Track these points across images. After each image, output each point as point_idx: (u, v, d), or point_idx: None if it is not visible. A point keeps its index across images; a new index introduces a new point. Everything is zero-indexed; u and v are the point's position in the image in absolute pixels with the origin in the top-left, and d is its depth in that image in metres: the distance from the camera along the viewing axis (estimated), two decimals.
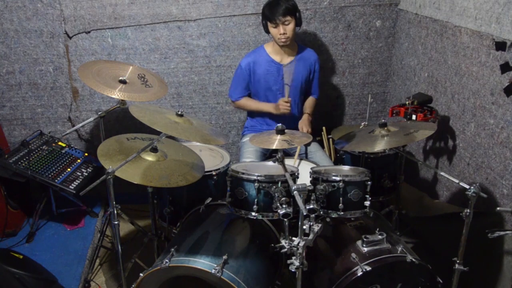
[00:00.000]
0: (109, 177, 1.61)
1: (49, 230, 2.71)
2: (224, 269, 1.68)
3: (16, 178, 2.48)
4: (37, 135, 2.74)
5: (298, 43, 2.68)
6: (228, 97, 2.78)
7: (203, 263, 1.71)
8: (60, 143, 2.77)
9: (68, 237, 2.66)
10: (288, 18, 2.40)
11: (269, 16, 2.43)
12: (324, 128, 2.82)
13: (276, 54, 2.57)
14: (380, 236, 1.82)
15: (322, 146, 2.74)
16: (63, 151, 2.71)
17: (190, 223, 2.12)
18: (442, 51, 2.43)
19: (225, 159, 2.42)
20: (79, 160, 2.70)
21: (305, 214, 1.53)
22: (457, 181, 1.69)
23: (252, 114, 2.78)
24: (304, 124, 2.65)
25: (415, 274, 1.77)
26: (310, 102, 2.79)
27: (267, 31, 2.52)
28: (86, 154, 2.78)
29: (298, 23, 2.47)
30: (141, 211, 2.95)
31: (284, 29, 2.42)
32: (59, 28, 2.79)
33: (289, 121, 2.52)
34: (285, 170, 1.78)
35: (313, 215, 1.60)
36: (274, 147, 1.79)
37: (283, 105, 2.49)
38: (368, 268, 1.69)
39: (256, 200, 1.81)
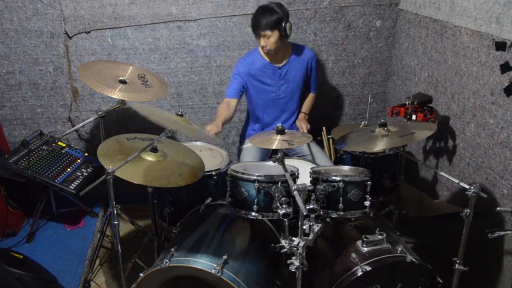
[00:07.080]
0: (109, 177, 1.62)
1: (49, 230, 2.71)
2: (224, 269, 1.68)
3: (16, 178, 2.49)
4: (37, 135, 2.74)
5: (295, 42, 2.67)
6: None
7: (203, 263, 1.71)
8: (60, 143, 2.77)
9: (68, 237, 2.66)
10: (268, 32, 2.35)
11: (252, 27, 2.43)
12: (324, 128, 2.82)
13: (270, 56, 2.56)
14: (380, 236, 1.82)
15: (322, 146, 2.73)
16: (63, 151, 2.71)
17: (190, 223, 2.12)
18: (442, 51, 2.43)
19: (225, 159, 2.42)
20: (79, 160, 2.70)
21: (305, 214, 1.53)
22: (457, 181, 1.69)
23: (253, 121, 2.77)
24: (302, 121, 2.64)
25: (415, 274, 1.77)
26: (308, 100, 2.78)
27: None
28: (86, 154, 2.78)
29: (284, 34, 2.39)
30: (141, 211, 2.95)
31: (265, 42, 2.39)
32: (59, 28, 2.79)
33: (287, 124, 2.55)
34: (285, 170, 1.78)
35: (313, 215, 1.61)
36: (274, 147, 1.79)
37: (211, 130, 2.31)
38: (368, 268, 1.69)
39: (256, 200, 1.81)
